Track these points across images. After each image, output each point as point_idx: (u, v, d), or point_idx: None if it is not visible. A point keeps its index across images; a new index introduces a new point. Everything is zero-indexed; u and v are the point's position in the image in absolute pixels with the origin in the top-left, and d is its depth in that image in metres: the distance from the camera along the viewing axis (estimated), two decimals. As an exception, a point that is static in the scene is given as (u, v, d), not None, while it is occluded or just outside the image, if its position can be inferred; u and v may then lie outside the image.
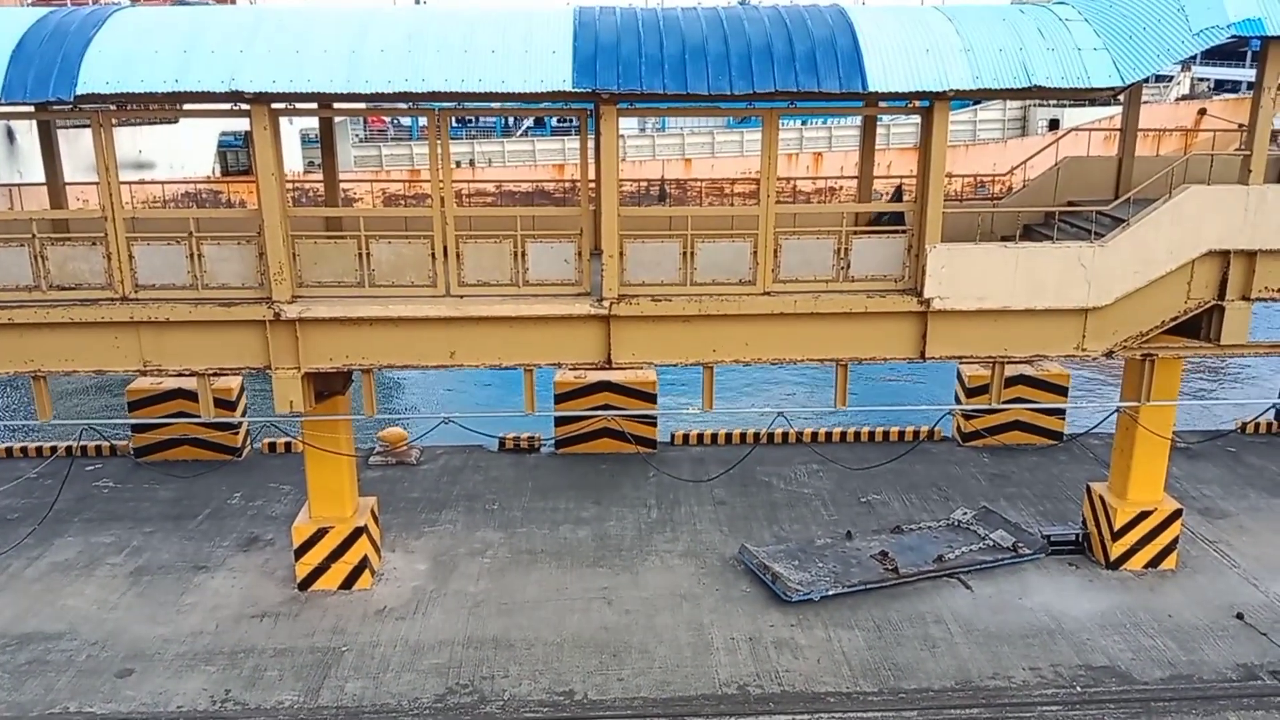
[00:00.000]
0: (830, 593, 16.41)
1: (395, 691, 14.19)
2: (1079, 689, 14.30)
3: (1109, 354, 15.36)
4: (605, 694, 14.13)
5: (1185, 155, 16.26)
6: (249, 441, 22.95)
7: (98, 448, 22.55)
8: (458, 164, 55.27)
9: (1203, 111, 60.81)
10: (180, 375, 15.15)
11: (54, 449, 22.38)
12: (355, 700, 14.00)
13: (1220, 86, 74.29)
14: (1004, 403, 21.34)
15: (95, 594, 16.76)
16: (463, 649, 15.18)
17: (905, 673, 14.66)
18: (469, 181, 43.88)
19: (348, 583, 16.78)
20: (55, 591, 16.82)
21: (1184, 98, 65.69)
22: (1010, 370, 21.75)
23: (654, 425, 22.87)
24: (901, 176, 21.36)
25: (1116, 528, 17.28)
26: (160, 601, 16.53)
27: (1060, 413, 23.06)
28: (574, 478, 21.27)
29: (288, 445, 22.52)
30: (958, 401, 23.72)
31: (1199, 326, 15.51)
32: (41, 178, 17.71)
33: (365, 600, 16.49)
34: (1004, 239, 15.87)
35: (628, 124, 55.88)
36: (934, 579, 17.07)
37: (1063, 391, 22.76)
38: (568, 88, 13.40)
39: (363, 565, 16.80)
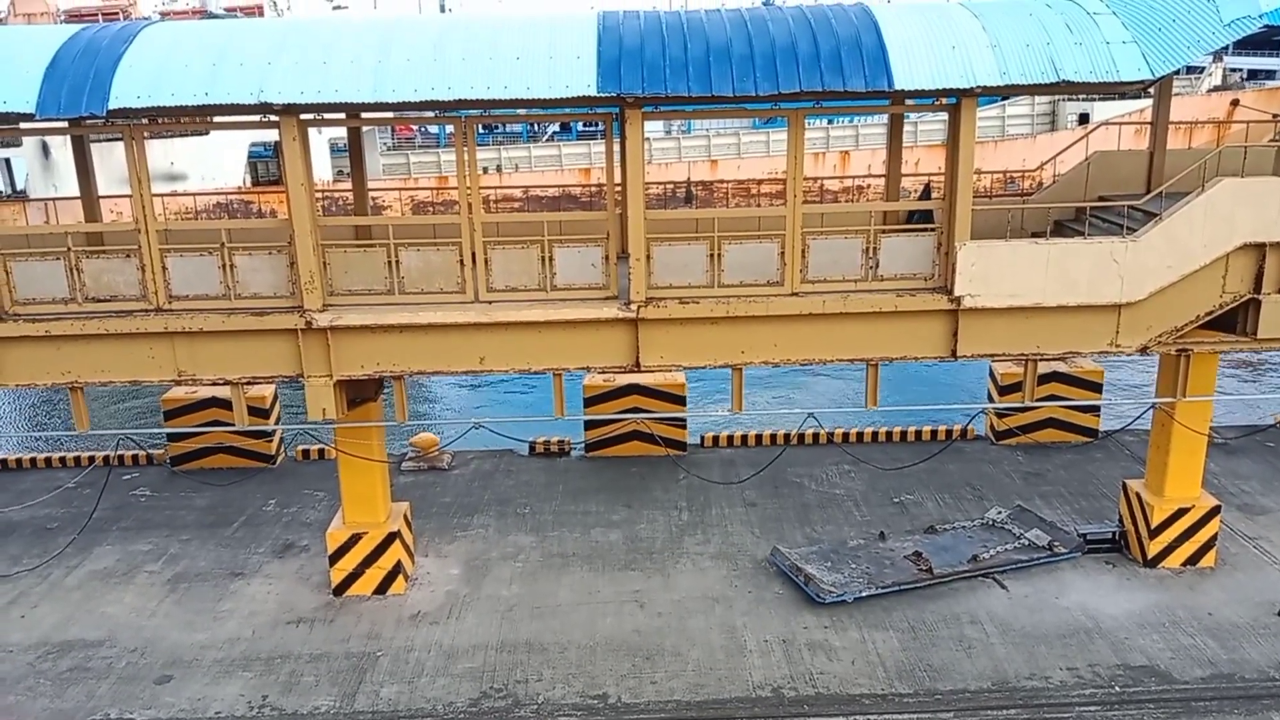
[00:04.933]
0: (864, 594, 16.32)
1: (430, 696, 14.26)
2: (1117, 689, 14.13)
3: (1143, 350, 15.18)
4: (639, 697, 14.13)
5: (1218, 148, 16.04)
6: (283, 449, 23.16)
7: (134, 457, 22.85)
8: (484, 170, 55.58)
9: (1235, 103, 59.99)
10: (214, 384, 15.33)
11: (91, 459, 22.72)
12: (390, 705, 14.09)
13: (1254, 76, 73.24)
14: (1037, 400, 21.13)
15: (134, 601, 16.98)
16: (496, 653, 15.23)
17: (941, 674, 14.56)
18: (496, 187, 44.08)
19: (382, 588, 16.89)
20: (95, 599, 17.06)
21: (1216, 89, 64.86)
22: (1043, 367, 21.54)
23: (683, 427, 22.86)
24: (930, 174, 21.21)
25: (1154, 525, 17.07)
26: (197, 608, 16.72)
27: (1095, 409, 22.81)
28: (604, 481, 21.30)
29: (321, 452, 22.70)
30: (990, 400, 23.53)
31: (1235, 321, 15.29)
32: (76, 191, 18.00)
33: (399, 605, 16.59)
34: (1034, 235, 15.73)
35: (653, 127, 55.88)
36: (969, 579, 16.93)
37: (1097, 388, 22.52)
38: (592, 92, 13.43)
39: (396, 570, 16.91)
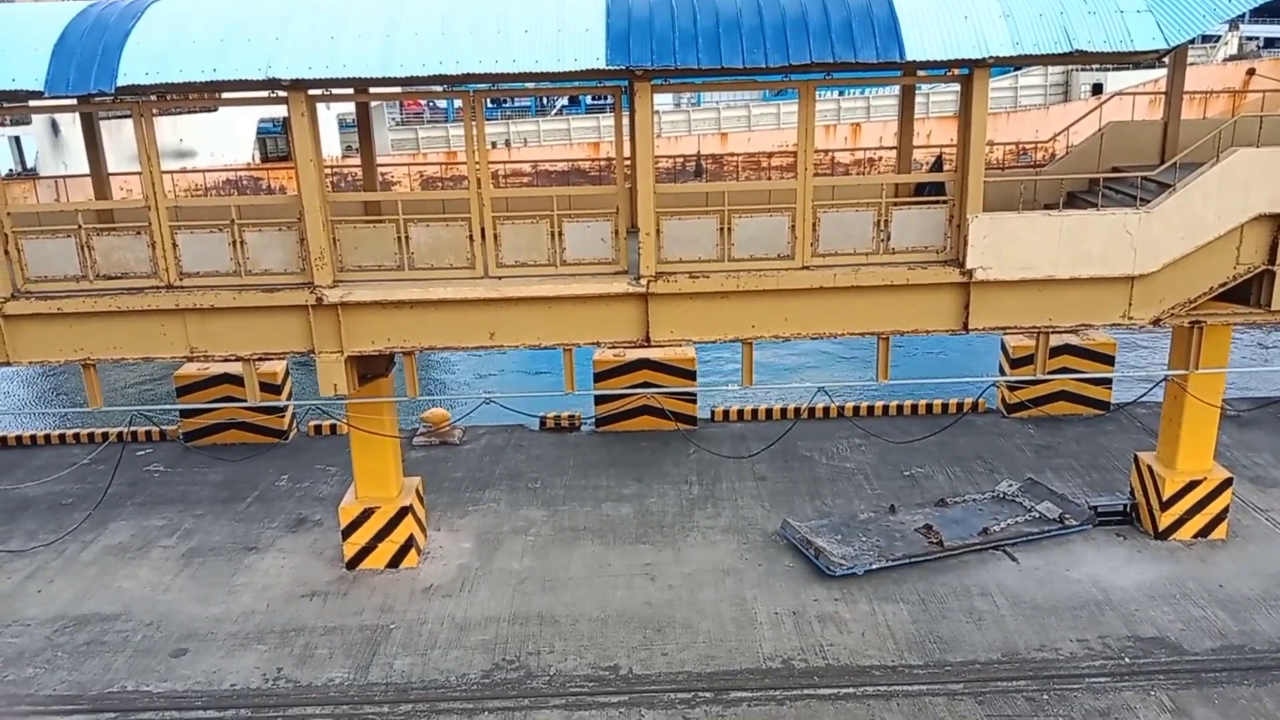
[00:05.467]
0: (874, 566, 16.37)
1: (443, 668, 14.38)
2: (1127, 660, 14.17)
3: (1156, 322, 15.09)
4: (650, 668, 14.23)
5: (1233, 117, 15.87)
6: (295, 424, 23.28)
7: (148, 433, 22.99)
8: (493, 145, 55.36)
9: (1251, 72, 59.27)
10: (226, 360, 15.38)
11: (105, 435, 22.87)
12: (404, 677, 14.21)
13: (1271, 44, 72.32)
14: (1049, 373, 21.11)
15: (149, 576, 17.13)
16: (508, 625, 15.34)
17: (951, 646, 14.61)
18: (505, 162, 43.93)
19: (394, 561, 17.01)
20: (110, 574, 17.21)
21: (1232, 58, 64.05)
22: (1055, 340, 21.48)
23: (694, 402, 22.87)
24: (942, 146, 21.05)
25: (1165, 497, 17.05)
26: (212, 582, 16.87)
27: (1107, 382, 22.74)
28: (615, 455, 21.35)
29: (333, 427, 22.81)
30: (1002, 373, 23.48)
31: (1249, 292, 15.19)
32: (86, 169, 18.01)
33: (412, 578, 16.71)
34: (1047, 207, 15.62)
35: (663, 100, 55.57)
36: (979, 552, 16.96)
37: (1109, 361, 22.45)
38: (602, 65, 13.35)
39: (409, 544, 17.01)
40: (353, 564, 17.05)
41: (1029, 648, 14.51)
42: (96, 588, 16.79)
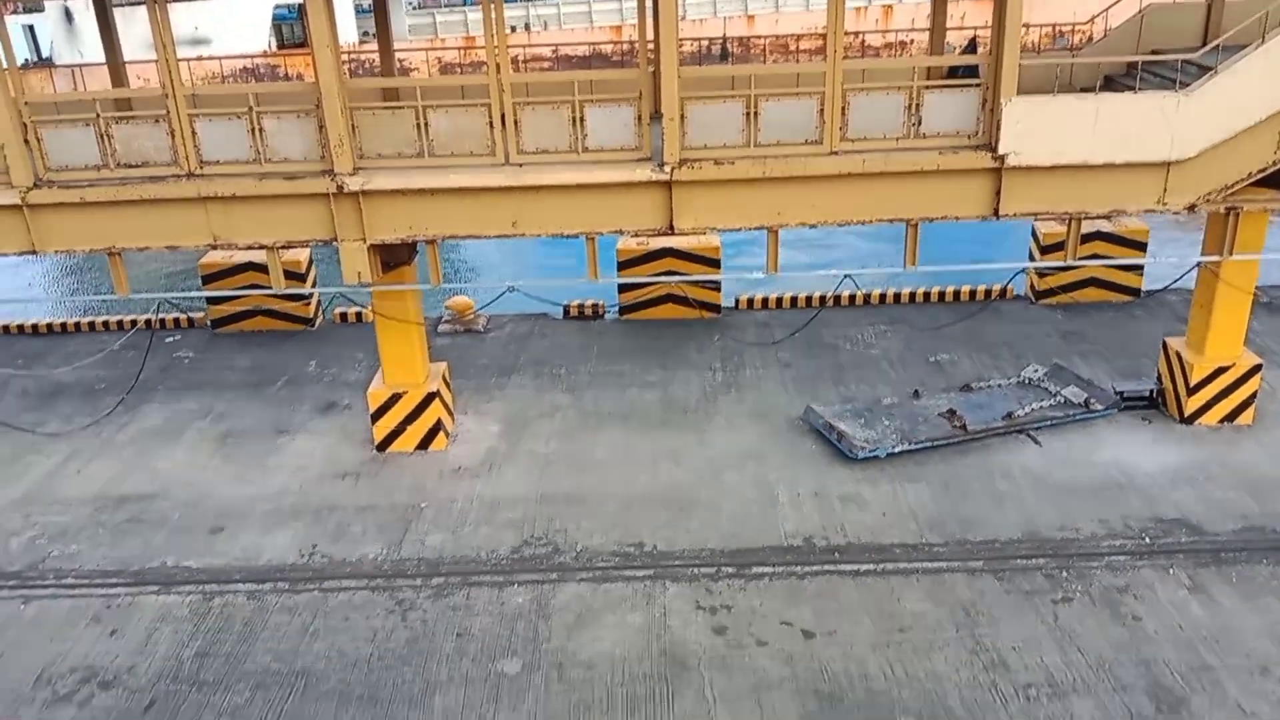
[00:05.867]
0: (897, 449, 16.50)
1: (474, 544, 14.75)
2: (1148, 540, 14.33)
3: (1191, 208, 14.79)
4: (674, 545, 14.53)
5: (1282, -9, 15.26)
6: (321, 312, 23.43)
7: (175, 320, 23.23)
8: (513, 29, 54.15)
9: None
10: (249, 249, 15.39)
11: (134, 322, 23.13)
12: (436, 552, 14.60)
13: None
14: (1080, 259, 20.86)
15: (184, 457, 17.52)
16: (536, 505, 15.65)
17: (972, 525, 14.81)
18: (525, 46, 43.00)
19: (423, 444, 17.29)
20: (147, 455, 17.61)
21: (1282, -67, 61.24)
22: (1087, 226, 21.15)
23: (718, 290, 22.80)
24: (976, 28, 20.43)
25: (1193, 383, 16.99)
26: (246, 463, 17.24)
27: (1138, 269, 22.46)
28: (639, 343, 21.43)
29: (359, 315, 22.95)
30: (1031, 259, 23.21)
31: (1288, 176, 14.84)
32: (100, 58, 17.77)
33: (441, 460, 17.01)
34: (1083, 91, 15.19)
35: (686, -18, 54.00)
36: (1003, 436, 17.04)
37: (1141, 247, 22.13)
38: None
39: (437, 428, 17.27)
40: (383, 446, 17.35)
41: (1049, 527, 14.69)
42: (133, 469, 17.20)
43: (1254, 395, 17.06)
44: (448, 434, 17.62)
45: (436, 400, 17.17)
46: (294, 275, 21.62)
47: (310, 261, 22.82)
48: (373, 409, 17.21)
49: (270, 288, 16.05)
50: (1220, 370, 16.87)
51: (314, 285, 23.03)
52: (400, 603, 13.57)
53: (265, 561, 14.59)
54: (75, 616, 13.51)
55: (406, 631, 13.02)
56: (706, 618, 13.05)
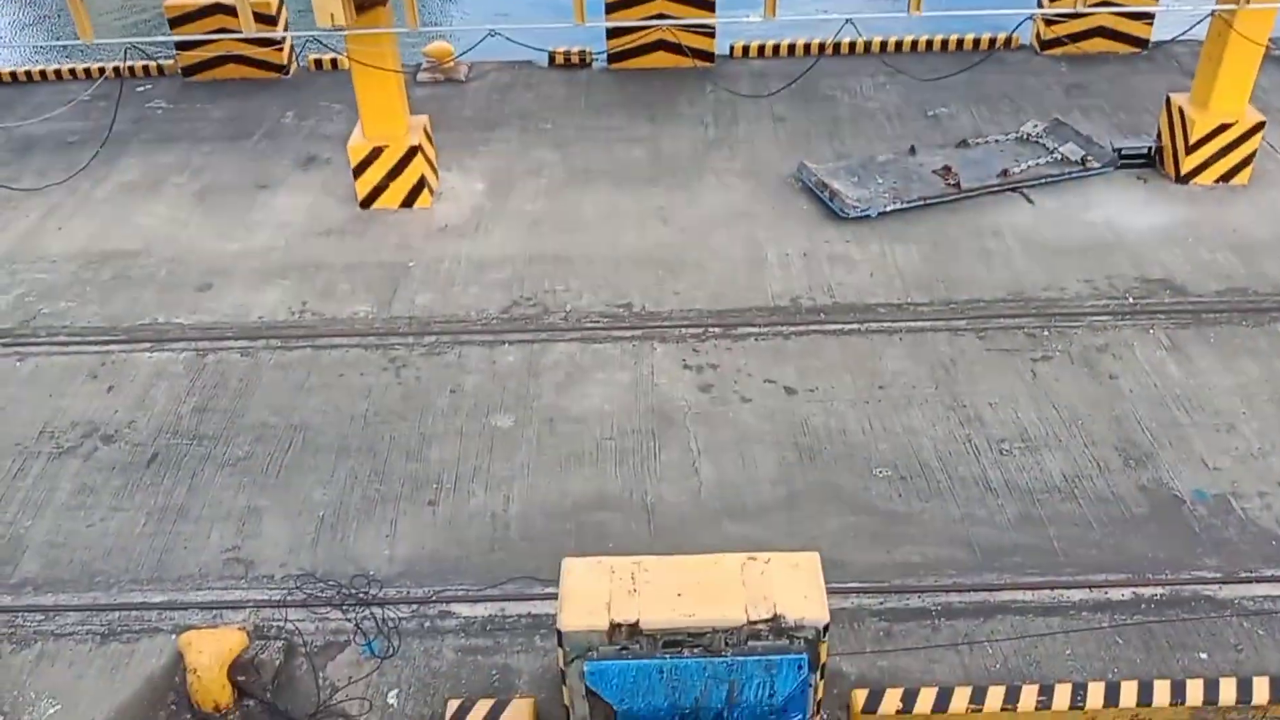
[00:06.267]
0: (888, 209, 16.32)
1: (463, 304, 14.81)
2: (1131, 300, 14.47)
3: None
4: (661, 306, 14.63)
5: None
6: (295, 59, 22.42)
7: (145, 68, 22.22)
8: None
9: None
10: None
11: (102, 70, 22.10)
12: (426, 311, 14.68)
13: None
14: (1090, 6, 19.86)
15: (165, 213, 17.23)
16: (524, 265, 15.60)
17: (958, 285, 14.88)
18: None
19: (408, 201, 17.00)
20: (127, 211, 17.31)
21: None
22: (1100, -31, 20.01)
23: (712, 37, 21.75)
24: None
25: (1192, 140, 16.62)
26: (228, 219, 16.99)
27: (1148, 17, 21.43)
28: (628, 94, 20.68)
29: (334, 62, 21.96)
30: (1039, 5, 22.09)
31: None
32: None
33: (427, 218, 16.79)
34: None
35: None
36: (996, 194, 16.82)
37: (1154, -7, 21.03)
38: None
39: (421, 184, 16.92)
40: (366, 203, 17.06)
41: (1035, 286, 14.78)
42: (114, 224, 16.95)
43: (1253, 154, 16.75)
44: (432, 191, 17.29)
45: (419, 155, 16.72)
46: (264, 18, 20.50)
47: (280, 3, 21.57)
48: (354, 163, 16.78)
49: (240, 31, 15.23)
50: (1222, 127, 16.46)
51: (285, 29, 21.90)
52: (393, 360, 13.77)
53: (256, 319, 14.66)
54: (71, 373, 13.70)
55: (401, 388, 13.28)
56: (693, 376, 13.32)
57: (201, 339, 14.27)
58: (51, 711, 9.46)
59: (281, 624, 10.21)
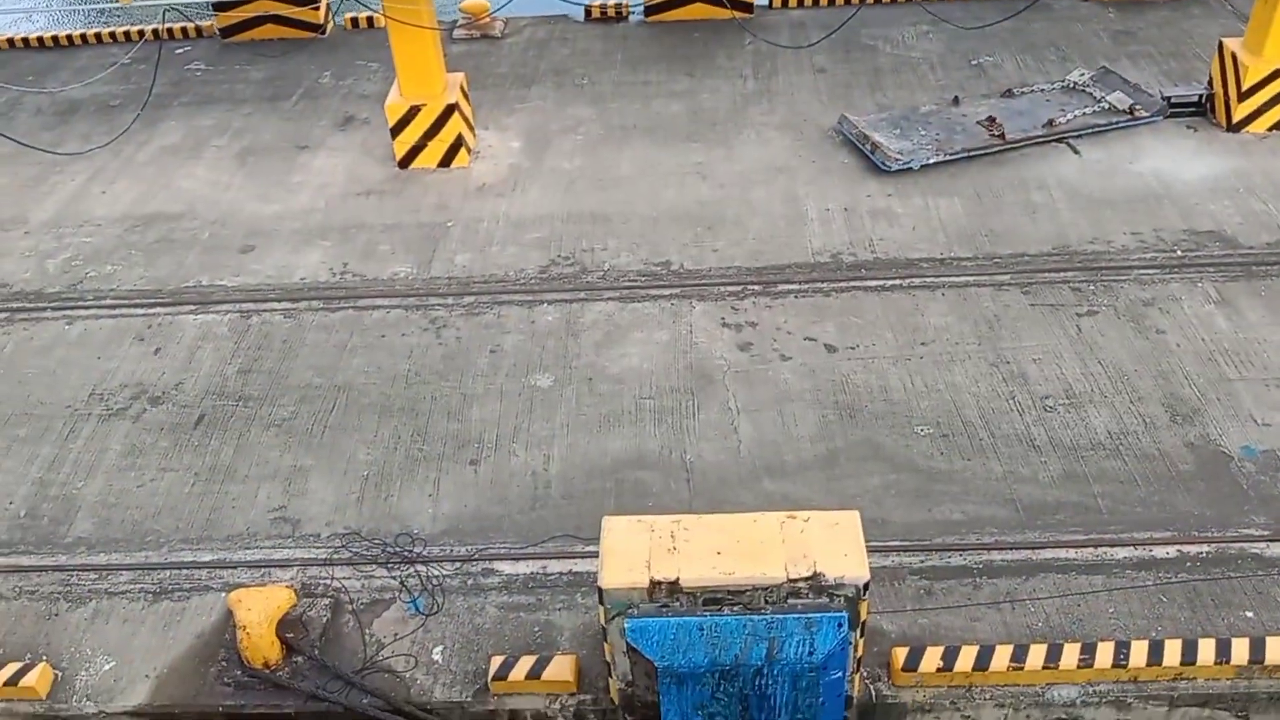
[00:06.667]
0: (931, 161, 16.05)
1: (501, 263, 14.83)
2: (1179, 253, 14.17)
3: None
4: (700, 264, 14.55)
5: None
6: (331, 17, 22.38)
7: (184, 29, 22.30)
8: None
9: None
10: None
11: (141, 33, 22.21)
12: (465, 271, 14.72)
13: None
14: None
15: (207, 175, 17.38)
16: (562, 224, 15.57)
17: (1002, 238, 14.65)
18: None
19: (445, 161, 17.00)
20: (169, 174, 17.48)
21: None
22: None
23: (750, -13, 21.41)
24: None
25: (1245, 87, 16.13)
26: (269, 181, 17.10)
27: (1202, -42, 20.76)
28: (665, 48, 20.44)
29: (370, 20, 21.91)
30: (1086, -51, 21.46)
31: None
32: None
33: (464, 178, 16.79)
34: None
35: None
36: (1041, 145, 16.48)
37: (1208, -67, 20.33)
38: None
39: (458, 143, 16.90)
40: (404, 163, 17.08)
41: (1081, 240, 14.51)
42: (158, 188, 17.13)
43: (1311, 99, 16.24)
44: (469, 150, 17.26)
45: (456, 114, 16.68)
46: (300, -22, 20.51)
47: (316, -38, 21.52)
48: (391, 123, 16.78)
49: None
50: (1276, 74, 15.95)
51: (322, -12, 21.85)
52: (434, 321, 13.85)
53: (298, 280, 14.79)
54: (118, 336, 13.93)
55: (441, 348, 13.37)
56: (732, 334, 13.27)
57: (245, 301, 14.43)
58: (107, 668, 9.73)
59: (328, 582, 10.39)
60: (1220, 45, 16.75)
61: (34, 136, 18.42)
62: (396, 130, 16.80)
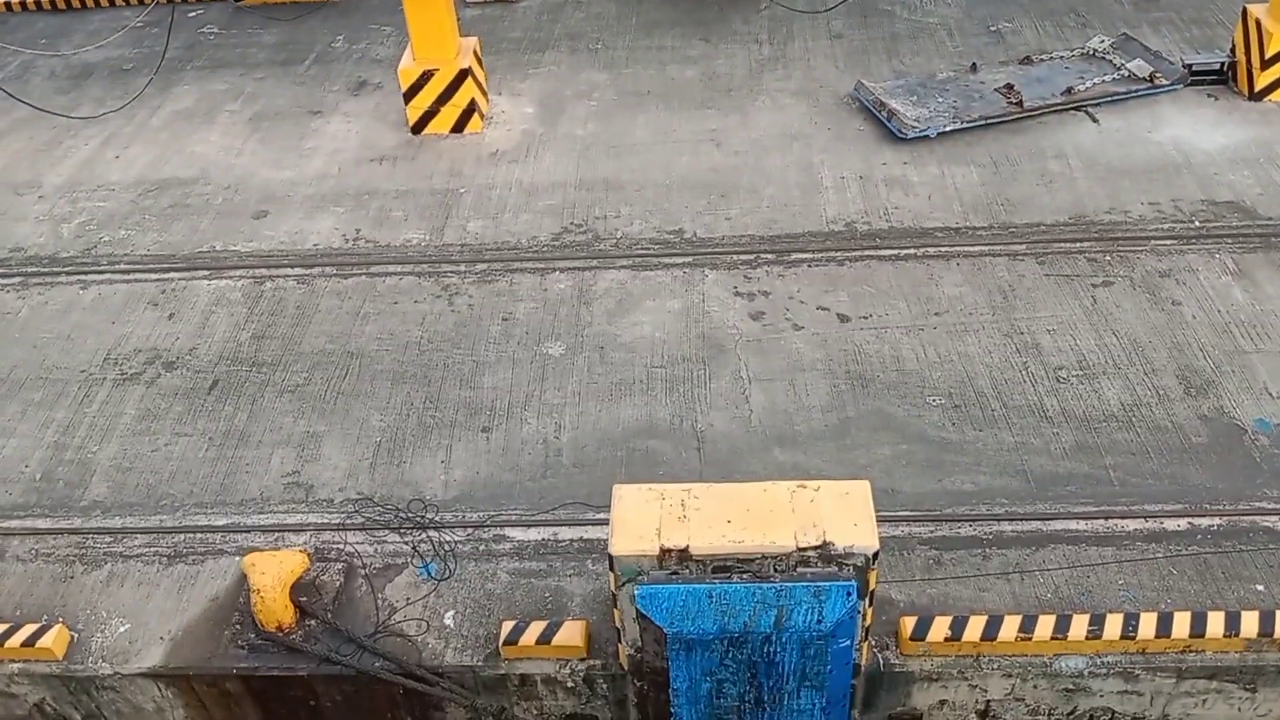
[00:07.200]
0: (948, 129, 15.89)
1: (514, 230, 14.80)
2: (1197, 223, 14.02)
3: None
4: (714, 232, 14.49)
5: None
6: (343, -20, 22.23)
7: (196, -8, 22.21)
8: None
9: None
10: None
11: (154, -5, 22.14)
12: (477, 239, 14.70)
13: None
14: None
15: (220, 140, 17.35)
16: (575, 191, 15.51)
17: (1018, 208, 14.53)
18: None
19: (458, 127, 16.92)
20: (182, 139, 17.47)
21: None
22: None
23: (766, -50, 21.13)
24: None
25: (1269, 55, 15.88)
26: (282, 146, 17.07)
27: (1228, -78, 20.37)
28: (680, 13, 20.24)
29: (383, -16, 21.75)
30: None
31: None
32: None
33: (477, 144, 16.72)
34: None
35: None
36: (1060, 112, 16.29)
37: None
38: None
39: (471, 108, 16.81)
40: (417, 129, 17.01)
41: (1098, 210, 14.38)
42: (171, 152, 17.13)
43: (1335, 62, 15.98)
44: (482, 116, 17.18)
45: (469, 79, 16.58)
46: (312, -60, 20.35)
47: (328, -77, 21.35)
48: (405, 88, 16.70)
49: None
50: (1303, 39, 15.72)
51: (334, -50, 21.68)
52: (446, 288, 13.86)
53: (311, 246, 14.80)
54: (133, 301, 13.99)
55: (454, 316, 13.38)
56: (744, 304, 13.23)
57: (259, 266, 14.46)
58: (122, 630, 9.86)
59: (341, 547, 10.49)
60: (1244, 11, 16.48)
61: (48, 100, 18.43)
62: (409, 95, 16.73)
